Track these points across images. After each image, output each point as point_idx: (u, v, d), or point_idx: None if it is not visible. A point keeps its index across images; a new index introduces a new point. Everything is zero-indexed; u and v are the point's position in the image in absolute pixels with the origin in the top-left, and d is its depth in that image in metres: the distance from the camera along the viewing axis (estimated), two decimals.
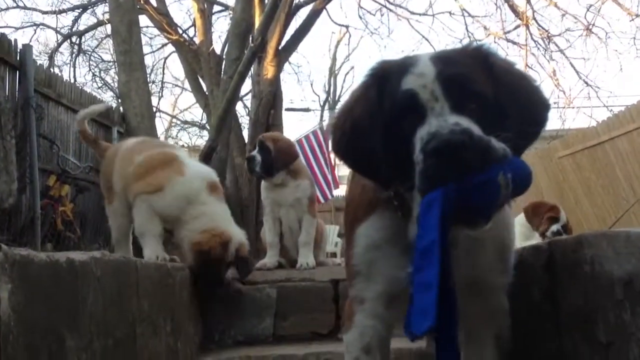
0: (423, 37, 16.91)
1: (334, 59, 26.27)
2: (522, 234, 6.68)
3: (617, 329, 1.61)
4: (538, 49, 14.95)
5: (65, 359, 2.18)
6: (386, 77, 1.78)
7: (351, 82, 26.94)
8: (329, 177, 14.07)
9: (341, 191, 17.52)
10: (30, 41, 17.66)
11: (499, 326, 2.05)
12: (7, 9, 17.23)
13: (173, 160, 4.33)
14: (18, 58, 7.10)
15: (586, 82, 15.17)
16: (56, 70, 16.45)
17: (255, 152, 5.57)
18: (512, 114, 1.68)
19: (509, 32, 15.17)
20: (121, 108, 9.72)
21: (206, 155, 10.02)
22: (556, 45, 14.96)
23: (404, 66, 1.74)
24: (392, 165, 1.73)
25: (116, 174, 4.61)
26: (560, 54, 15.04)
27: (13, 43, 7.21)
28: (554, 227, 6.57)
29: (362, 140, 1.79)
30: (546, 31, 14.73)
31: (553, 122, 17.60)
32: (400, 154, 1.67)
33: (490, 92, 1.70)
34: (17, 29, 17.91)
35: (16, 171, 1.43)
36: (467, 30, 15.77)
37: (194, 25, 15.08)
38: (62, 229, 7.29)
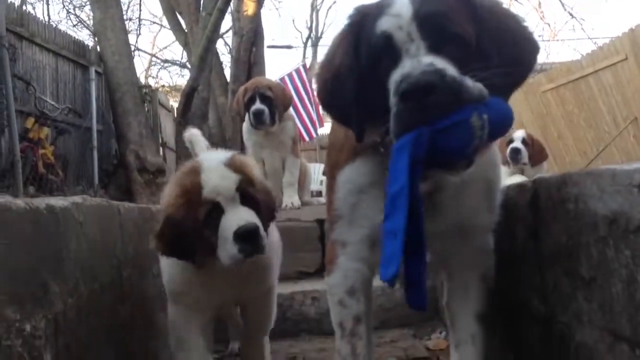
0: None
1: None
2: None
3: (599, 265, 1.62)
4: None
5: (52, 304, 2.17)
6: (363, 22, 1.74)
7: (334, 17, 26.37)
8: (314, 115, 13.96)
9: (326, 129, 17.45)
10: None
11: (484, 266, 2.08)
12: None
13: None
14: None
15: (571, 14, 15.01)
16: (29, 8, 15.86)
17: (259, 105, 5.42)
18: (497, 55, 1.63)
19: None
20: (97, 47, 9.43)
21: (188, 95, 9.85)
22: None
23: (381, 8, 1.69)
24: (367, 114, 1.71)
25: None
26: None
27: None
28: (508, 150, 6.09)
29: (341, 90, 1.77)
30: None
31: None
32: (377, 100, 1.64)
33: (472, 32, 1.64)
34: None
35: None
36: None
37: None
38: (44, 171, 7.20)
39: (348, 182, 1.96)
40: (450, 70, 1.52)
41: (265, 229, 2.40)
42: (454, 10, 1.65)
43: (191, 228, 2.25)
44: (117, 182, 8.97)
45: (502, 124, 1.58)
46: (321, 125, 13.34)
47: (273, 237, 2.71)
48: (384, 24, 1.64)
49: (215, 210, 2.25)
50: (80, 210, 2.48)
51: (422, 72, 1.50)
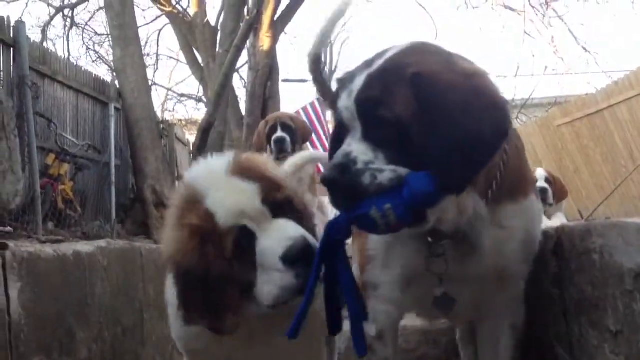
0: (420, 4, 16.59)
1: None
2: None
3: (626, 318, 1.61)
4: (536, 15, 14.77)
5: (77, 351, 2.19)
6: (339, 89, 1.84)
7: (347, 52, 26.66)
8: (329, 147, 14.04)
9: None
10: (22, 15, 17.42)
11: (515, 315, 2.06)
12: None
13: None
14: (12, 35, 6.99)
15: (584, 49, 15.05)
16: (49, 44, 16.26)
17: (280, 133, 5.49)
18: (438, 135, 1.55)
19: None
20: (117, 83, 9.61)
21: (204, 131, 9.97)
22: (554, 11, 14.79)
23: (350, 78, 1.78)
24: None
25: None
26: (558, 20, 14.87)
27: (6, 20, 7.08)
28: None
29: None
30: None
31: (552, 89, 17.51)
32: None
33: (410, 115, 1.60)
34: (8, 2, 17.60)
35: (22, 170, 1.41)
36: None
37: None
38: (63, 207, 7.28)
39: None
40: (361, 159, 1.64)
41: None
42: (391, 94, 1.64)
43: (219, 275, 1.68)
44: (134, 216, 9.03)
45: (422, 201, 1.61)
46: None
47: None
48: (341, 99, 1.77)
49: (244, 237, 1.71)
50: (104, 254, 2.52)
51: (332, 165, 1.67)
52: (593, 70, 15.91)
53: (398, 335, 2.15)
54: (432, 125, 1.57)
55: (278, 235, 1.70)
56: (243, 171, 1.80)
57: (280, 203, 1.79)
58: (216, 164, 1.86)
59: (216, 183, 1.77)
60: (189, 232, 1.71)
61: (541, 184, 6.11)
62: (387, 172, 1.62)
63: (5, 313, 1.67)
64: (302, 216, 1.85)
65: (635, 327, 1.57)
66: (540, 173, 6.28)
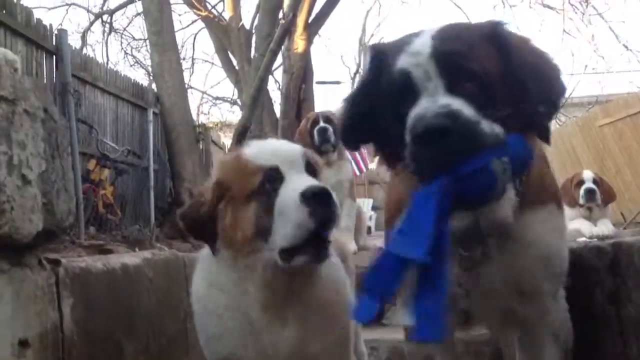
0: (455, 4, 16.41)
1: (364, 30, 25.85)
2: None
3: None
4: (575, 12, 14.44)
5: None
6: (383, 59, 1.72)
7: None
8: (363, 150, 14.02)
9: (374, 164, 17.47)
10: (62, 21, 17.83)
11: (553, 327, 1.97)
12: None
13: None
14: (54, 43, 7.15)
15: (625, 47, 14.67)
16: (88, 50, 16.60)
17: (323, 124, 5.58)
18: (522, 93, 1.56)
19: None
20: (154, 88, 9.76)
21: (240, 134, 10.03)
22: (594, 8, 14.42)
23: (401, 44, 1.67)
24: (392, 146, 1.68)
25: None
26: (598, 18, 14.51)
27: (49, 28, 7.25)
28: (582, 191, 5.93)
29: (362, 127, 1.78)
30: None
31: (592, 88, 17.13)
32: (398, 135, 1.61)
33: (495, 70, 1.59)
34: (49, 9, 18.06)
35: (73, 188, 1.44)
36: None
37: (222, 0, 14.96)
38: (104, 211, 7.41)
39: None
40: (466, 111, 1.49)
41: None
42: (474, 48, 1.61)
43: (239, 196, 1.79)
44: (171, 220, 9.13)
45: (521, 164, 1.53)
46: (371, 161, 13.33)
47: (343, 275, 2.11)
48: (403, 61, 1.62)
49: (273, 178, 1.79)
50: (150, 265, 2.53)
51: (435, 114, 1.48)
52: (635, 69, 15.50)
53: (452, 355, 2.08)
54: (521, 81, 1.57)
55: (304, 180, 1.77)
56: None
57: (314, 168, 1.88)
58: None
59: (260, 144, 1.92)
60: (232, 161, 1.91)
61: (589, 185, 6.05)
62: (494, 125, 1.51)
63: (58, 329, 1.70)
64: None
65: None
66: (587, 174, 6.21)
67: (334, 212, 1.72)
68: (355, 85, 1.92)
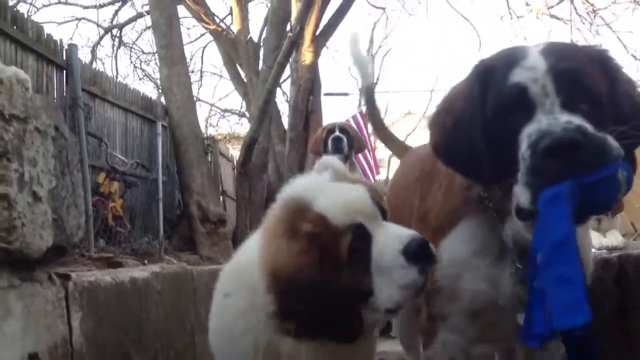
0: (462, 16, 16.45)
1: (371, 42, 25.94)
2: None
3: None
4: (583, 23, 14.42)
5: None
6: (490, 72, 1.72)
7: (389, 64, 26.56)
8: (371, 161, 14.01)
9: (381, 175, 17.42)
10: (72, 35, 18.05)
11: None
12: (50, 4, 17.52)
13: None
14: (64, 57, 7.24)
15: (634, 56, 14.61)
16: (98, 64, 16.77)
17: (338, 133, 5.80)
18: (626, 121, 1.59)
19: (552, 7, 14.69)
20: (163, 101, 9.83)
21: (248, 147, 10.07)
22: (602, 19, 14.41)
23: (512, 59, 1.68)
24: (494, 161, 1.66)
25: None
26: (606, 28, 14.49)
27: (59, 43, 7.34)
28: None
29: (464, 137, 1.72)
30: (591, 5, 14.19)
31: None
32: (502, 150, 1.61)
33: (605, 92, 1.63)
34: (59, 24, 18.27)
35: (84, 204, 1.46)
36: (509, 7, 15.30)
37: (230, 14, 15.10)
38: (113, 224, 7.45)
39: (451, 251, 1.87)
40: (589, 127, 1.51)
41: None
42: (588, 67, 1.65)
43: (332, 278, 1.55)
44: (180, 232, 9.17)
45: (630, 182, 1.54)
46: (377, 172, 13.32)
47: None
48: (518, 75, 1.62)
49: (361, 237, 1.60)
50: (158, 279, 2.55)
51: (563, 129, 1.50)
52: None
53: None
54: (624, 105, 1.63)
55: (394, 233, 1.61)
56: (346, 178, 1.73)
57: (384, 208, 1.72)
58: (317, 176, 1.77)
59: (323, 188, 1.67)
60: (306, 240, 1.56)
61: None
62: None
63: (68, 343, 1.72)
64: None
65: None
66: None
67: (434, 257, 1.62)
68: (451, 93, 1.85)
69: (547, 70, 1.59)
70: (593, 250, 4.84)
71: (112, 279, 2.10)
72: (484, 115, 1.68)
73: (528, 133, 1.54)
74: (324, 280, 1.54)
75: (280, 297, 1.57)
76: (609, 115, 1.59)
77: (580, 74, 1.61)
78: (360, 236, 1.59)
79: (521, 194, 1.56)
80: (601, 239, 5.52)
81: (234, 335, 1.80)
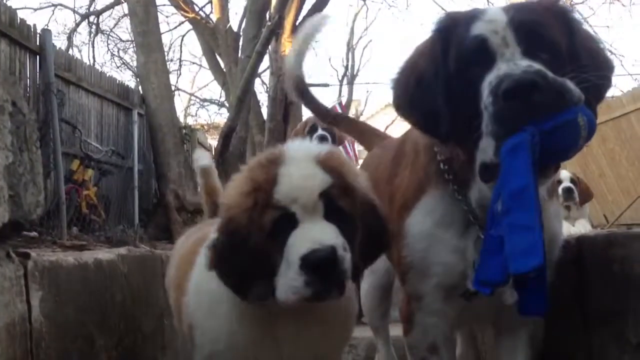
0: (442, 8, 16.51)
1: (352, 33, 25.94)
2: None
3: None
4: None
5: (97, 359, 2.22)
6: (452, 28, 1.74)
7: (369, 55, 26.60)
8: (350, 151, 14.04)
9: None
10: (49, 22, 17.78)
11: (535, 324, 2.02)
12: None
13: None
14: (38, 43, 7.13)
15: (610, 51, 14.83)
16: (75, 50, 16.55)
17: (322, 132, 5.78)
18: (585, 72, 1.59)
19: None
20: (140, 89, 9.74)
21: (226, 136, 10.04)
22: (579, 13, 14.59)
23: (473, 14, 1.71)
24: (455, 117, 1.68)
25: None
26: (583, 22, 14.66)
27: (32, 28, 7.23)
28: (560, 190, 6.10)
29: (426, 94, 1.74)
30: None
31: None
32: (465, 103, 1.63)
33: (565, 44, 1.67)
34: (35, 9, 18.01)
35: (43, 181, 1.44)
36: (488, 1, 15.40)
37: (210, 2, 14.99)
38: (87, 212, 7.39)
39: (416, 224, 1.88)
40: (549, 73, 1.53)
41: (366, 264, 1.83)
42: (547, 19, 1.69)
43: (254, 240, 1.64)
44: (156, 221, 9.12)
45: (592, 128, 1.56)
46: (356, 162, 13.35)
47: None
48: (479, 28, 1.65)
49: (287, 221, 1.63)
50: (125, 261, 2.54)
51: (523, 71, 1.52)
52: (619, 73, 15.66)
53: (454, 351, 2.07)
54: (582, 56, 1.66)
55: (311, 234, 1.59)
56: (328, 163, 1.72)
57: (339, 208, 1.67)
58: (313, 146, 1.83)
59: (299, 159, 1.72)
60: (250, 188, 1.69)
61: (566, 184, 6.30)
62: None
63: (26, 321, 1.70)
64: (354, 231, 1.70)
65: None
66: (564, 174, 6.46)
67: (336, 281, 1.58)
68: (415, 52, 1.86)
69: (508, 22, 1.62)
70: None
71: (75, 260, 2.08)
72: (447, 70, 1.70)
73: (489, 81, 1.56)
74: (249, 229, 1.63)
75: (219, 230, 1.71)
76: (568, 66, 1.61)
77: (540, 25, 1.64)
78: (286, 220, 1.62)
79: (487, 146, 1.57)
80: (570, 228, 5.62)
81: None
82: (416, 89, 1.77)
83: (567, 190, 6.23)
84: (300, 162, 1.70)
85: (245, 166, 1.82)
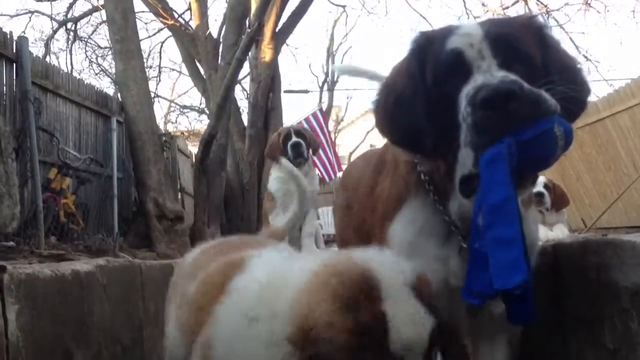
0: (420, 15, 16.65)
1: (332, 40, 26.06)
2: None
3: (623, 336, 1.61)
4: None
5: None
6: (428, 45, 1.76)
7: (349, 62, 26.73)
8: (332, 157, 14.05)
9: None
10: (26, 28, 17.57)
11: (512, 330, 2.03)
12: None
13: None
14: (14, 50, 7.03)
15: (586, 57, 15.06)
16: (52, 57, 16.37)
17: (295, 138, 5.86)
18: (561, 84, 1.63)
19: (507, 8, 15.01)
20: (119, 97, 9.65)
21: (206, 143, 9.99)
22: (555, 20, 14.82)
23: (449, 30, 1.74)
24: (436, 132, 1.69)
25: None
26: (559, 29, 14.88)
27: (9, 35, 7.12)
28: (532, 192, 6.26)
29: (405, 112, 1.75)
30: (545, 6, 14.59)
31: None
32: (444, 117, 1.64)
33: (539, 57, 1.70)
34: (11, 16, 17.77)
35: (18, 193, 1.41)
36: (465, 8, 15.61)
37: (189, 9, 14.93)
38: (65, 221, 7.28)
39: (398, 234, 1.89)
40: (525, 84, 1.55)
41: None
42: (522, 34, 1.72)
43: None
44: (136, 229, 9.02)
45: (568, 139, 1.57)
46: (339, 169, 13.38)
47: None
48: (454, 42, 1.68)
49: None
50: (104, 272, 2.52)
51: (500, 81, 1.54)
52: (594, 79, 15.90)
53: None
54: (557, 71, 1.68)
55: None
56: (423, 294, 1.51)
57: (433, 343, 1.48)
58: (396, 266, 1.55)
59: (397, 291, 1.47)
60: (355, 323, 1.40)
61: (538, 189, 6.22)
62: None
63: (2, 336, 1.68)
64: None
65: (633, 345, 1.57)
66: (539, 179, 6.39)
67: None
68: (392, 72, 1.88)
69: (483, 36, 1.65)
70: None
71: (52, 272, 2.06)
72: (425, 86, 1.72)
73: (466, 92, 1.58)
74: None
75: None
76: (543, 79, 1.63)
77: (515, 39, 1.68)
78: None
79: (466, 157, 1.59)
80: (548, 233, 5.69)
81: None
82: (395, 109, 1.79)
83: (537, 195, 6.17)
84: (404, 298, 1.47)
85: (322, 266, 1.54)
